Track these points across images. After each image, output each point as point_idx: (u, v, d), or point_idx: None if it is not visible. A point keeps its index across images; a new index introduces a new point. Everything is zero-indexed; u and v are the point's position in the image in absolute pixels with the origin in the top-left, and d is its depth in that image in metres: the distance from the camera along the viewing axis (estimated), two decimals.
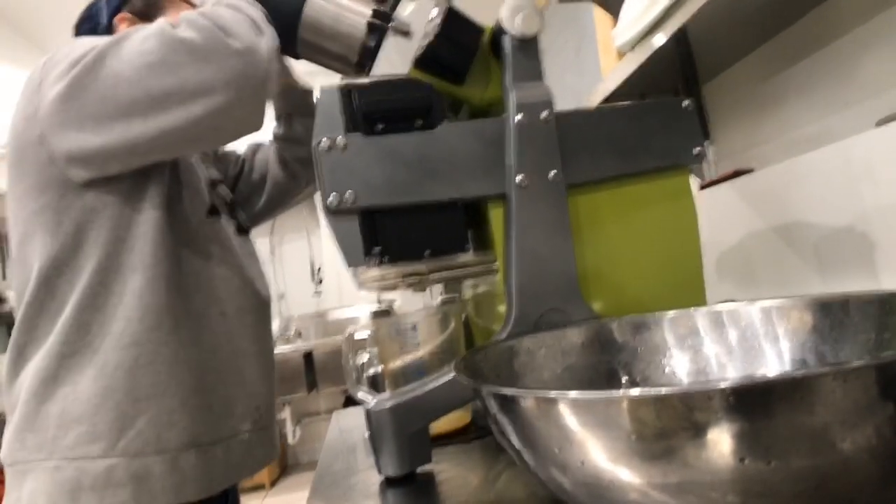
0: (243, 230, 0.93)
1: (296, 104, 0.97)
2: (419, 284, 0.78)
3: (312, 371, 3.40)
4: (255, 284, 0.87)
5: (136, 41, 0.66)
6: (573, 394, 0.29)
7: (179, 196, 0.80)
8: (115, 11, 0.86)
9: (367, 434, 0.63)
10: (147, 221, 0.75)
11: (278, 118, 0.99)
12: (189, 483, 0.73)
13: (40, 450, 0.70)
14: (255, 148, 1.05)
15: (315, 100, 0.95)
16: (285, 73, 0.95)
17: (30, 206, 0.73)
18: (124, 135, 0.66)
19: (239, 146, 1.04)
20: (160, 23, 0.68)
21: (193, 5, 0.84)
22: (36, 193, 0.72)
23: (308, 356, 3.41)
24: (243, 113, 0.69)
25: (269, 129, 0.99)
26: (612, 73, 1.02)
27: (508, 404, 0.33)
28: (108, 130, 0.66)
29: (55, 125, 0.68)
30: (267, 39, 0.67)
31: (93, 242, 0.73)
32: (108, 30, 0.86)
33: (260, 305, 0.88)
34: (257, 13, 0.68)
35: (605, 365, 0.52)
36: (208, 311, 0.79)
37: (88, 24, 0.88)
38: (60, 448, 0.70)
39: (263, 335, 0.88)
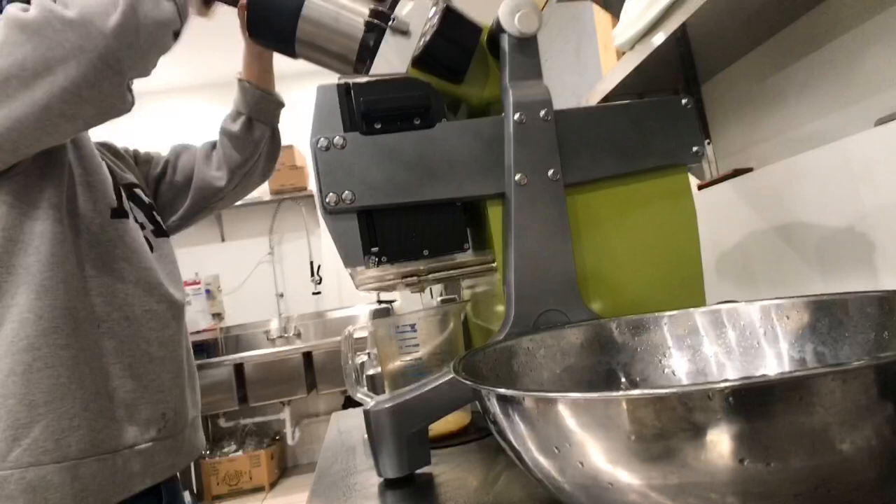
0: (162, 233, 0.92)
1: (263, 111, 0.95)
2: (418, 284, 0.78)
3: (312, 372, 3.40)
4: (165, 288, 0.85)
5: None
6: (572, 394, 0.29)
7: (80, 197, 0.78)
8: None
9: (365, 435, 0.62)
10: (43, 221, 0.72)
11: (237, 115, 0.96)
12: (90, 494, 0.71)
13: None
14: (180, 150, 1.03)
15: (277, 103, 0.96)
16: (266, 77, 0.94)
17: None
18: None
19: (163, 149, 1.04)
20: (12, 4, 0.65)
21: None
22: None
23: (307, 356, 3.41)
24: (94, 93, 0.65)
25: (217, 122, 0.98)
26: (612, 72, 1.02)
27: (507, 405, 0.33)
28: None
29: None
30: (126, 6, 0.64)
31: None
32: None
33: (170, 309, 0.85)
34: None
35: (604, 365, 0.52)
36: (112, 315, 0.77)
37: None
38: None
39: (174, 339, 0.85)
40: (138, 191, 0.91)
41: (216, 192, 0.99)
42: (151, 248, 0.86)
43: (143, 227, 0.87)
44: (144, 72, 0.70)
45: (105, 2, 0.64)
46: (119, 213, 0.82)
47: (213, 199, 1.01)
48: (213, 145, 1.01)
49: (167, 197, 1.00)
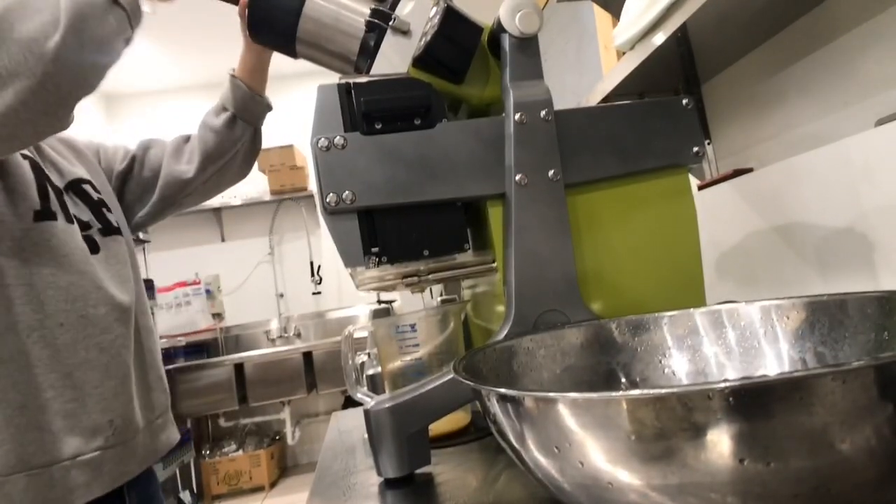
0: (112, 231, 0.88)
1: (249, 110, 0.94)
2: (418, 284, 0.78)
3: (312, 372, 3.40)
4: (107, 291, 0.81)
5: None
6: (572, 395, 0.29)
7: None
8: None
9: (365, 435, 0.62)
10: None
11: (222, 110, 0.94)
12: None
13: None
14: (148, 144, 1.00)
15: (265, 105, 0.95)
16: (259, 78, 0.93)
17: None
18: None
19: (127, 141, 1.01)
20: None
21: None
22: None
23: (307, 356, 3.41)
24: (32, 115, 0.64)
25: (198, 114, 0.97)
26: (612, 72, 1.02)
27: (507, 405, 0.33)
28: None
29: None
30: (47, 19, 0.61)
31: None
32: None
33: (113, 312, 0.81)
34: None
35: (604, 366, 0.52)
36: (44, 322, 0.74)
37: None
38: None
39: (118, 343, 0.81)
40: (87, 186, 0.88)
41: (184, 184, 0.96)
42: (96, 249, 0.83)
43: (87, 226, 0.84)
44: (89, 90, 0.68)
45: (45, 21, 0.60)
46: (44, 214, 0.78)
47: (180, 194, 0.98)
48: (186, 139, 0.98)
49: (135, 193, 0.98)
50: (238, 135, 0.95)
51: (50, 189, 0.81)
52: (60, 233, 0.78)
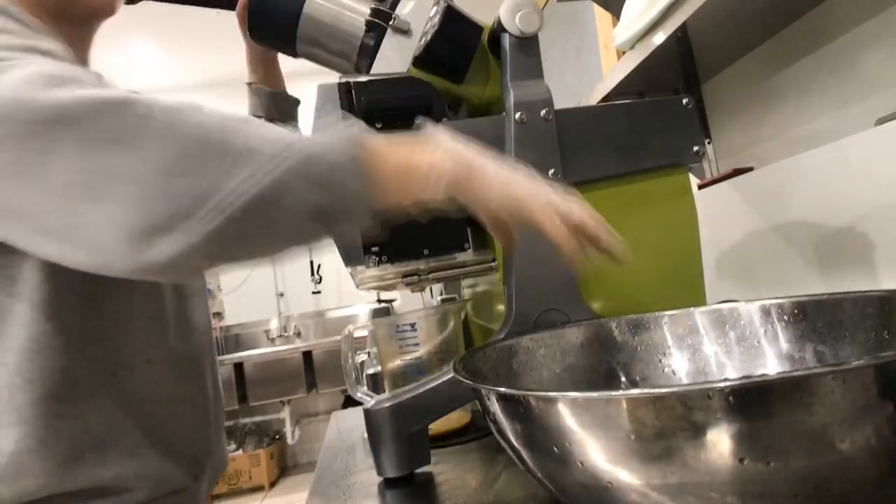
0: None
1: (279, 109, 0.91)
2: (418, 284, 0.78)
3: (312, 371, 3.40)
4: (192, 318, 0.69)
5: None
6: (572, 394, 0.29)
7: None
8: None
9: (365, 434, 0.62)
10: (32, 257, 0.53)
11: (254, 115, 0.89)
12: None
13: None
14: None
15: (293, 100, 0.94)
16: (275, 78, 0.90)
17: None
18: None
19: None
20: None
21: None
22: None
23: (307, 356, 3.41)
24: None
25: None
26: (612, 72, 1.02)
27: (507, 404, 0.33)
28: None
29: None
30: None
31: None
32: None
33: (198, 340, 0.70)
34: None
35: (604, 365, 0.52)
36: (133, 360, 0.60)
37: None
38: None
39: (202, 375, 0.69)
40: None
41: None
42: None
43: None
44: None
45: (255, 168, 0.42)
46: None
47: None
48: None
49: None
50: None
51: None
52: None
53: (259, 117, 0.91)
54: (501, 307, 0.62)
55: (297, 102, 0.95)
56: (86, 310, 0.57)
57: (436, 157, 0.47)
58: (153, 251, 0.40)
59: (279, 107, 0.92)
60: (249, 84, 0.92)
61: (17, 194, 0.42)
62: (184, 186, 0.40)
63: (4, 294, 0.53)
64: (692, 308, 0.53)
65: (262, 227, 0.42)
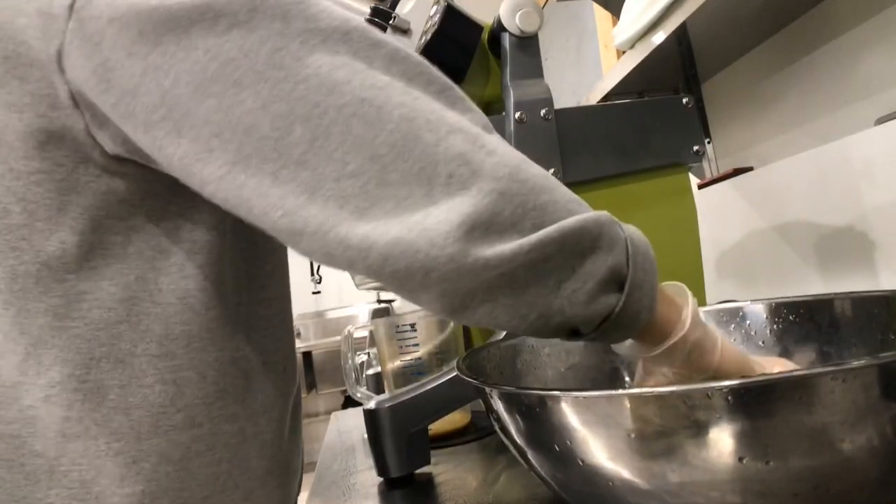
0: None
1: None
2: None
3: (311, 371, 3.40)
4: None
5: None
6: (574, 392, 0.29)
7: None
8: None
9: (365, 435, 0.62)
10: (200, 229, 0.45)
11: None
12: None
13: None
14: None
15: None
16: None
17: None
18: None
19: None
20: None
21: None
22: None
23: (307, 356, 3.41)
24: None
25: None
26: (612, 71, 1.02)
27: (510, 403, 0.33)
28: None
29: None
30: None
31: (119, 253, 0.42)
32: None
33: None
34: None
35: (608, 364, 0.52)
36: (272, 360, 0.51)
37: None
38: None
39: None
40: None
41: None
42: None
43: None
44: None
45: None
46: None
47: None
48: None
49: None
50: None
51: None
52: None
53: None
54: None
55: None
56: (243, 289, 0.50)
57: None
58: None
59: None
60: None
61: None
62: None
63: (152, 274, 0.43)
64: (698, 307, 0.53)
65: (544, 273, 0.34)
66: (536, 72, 0.61)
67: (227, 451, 0.47)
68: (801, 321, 0.47)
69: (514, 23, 0.59)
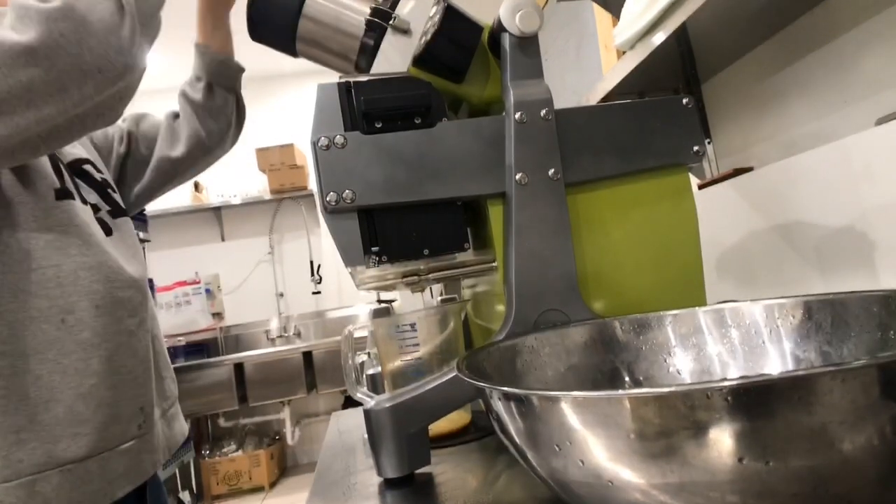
0: (121, 212, 0.85)
1: (223, 75, 0.91)
2: (418, 284, 0.78)
3: (312, 371, 3.40)
4: (129, 272, 0.77)
5: None
6: (574, 393, 0.29)
7: (13, 179, 0.69)
8: None
9: (365, 435, 0.62)
10: None
11: (197, 80, 0.92)
12: None
13: None
14: (137, 119, 0.96)
15: (237, 68, 0.92)
16: (224, 42, 0.90)
17: None
18: None
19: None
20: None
21: None
22: None
23: (307, 356, 3.41)
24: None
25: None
26: (612, 72, 1.02)
27: (511, 403, 0.33)
28: None
29: None
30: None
31: None
32: None
33: (137, 294, 0.78)
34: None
35: (608, 364, 0.52)
36: (79, 304, 0.70)
37: None
38: None
39: (142, 326, 0.78)
40: (88, 167, 0.84)
41: (175, 165, 0.93)
42: (109, 231, 0.80)
43: (96, 209, 0.80)
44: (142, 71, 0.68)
45: (111, 9, 0.61)
46: (63, 193, 0.73)
47: (173, 174, 0.95)
48: (175, 115, 0.95)
49: (132, 172, 0.94)
50: (220, 103, 0.92)
51: (62, 167, 0.76)
52: (81, 212, 0.74)
53: (199, 79, 0.92)
54: (501, 307, 0.62)
55: (240, 70, 0.94)
56: (16, 260, 0.68)
57: None
58: None
59: (223, 72, 0.92)
60: (197, 44, 0.91)
61: None
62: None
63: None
64: (696, 308, 0.53)
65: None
66: (536, 72, 0.61)
67: (2, 381, 0.66)
68: (801, 321, 0.47)
69: (514, 23, 0.59)
